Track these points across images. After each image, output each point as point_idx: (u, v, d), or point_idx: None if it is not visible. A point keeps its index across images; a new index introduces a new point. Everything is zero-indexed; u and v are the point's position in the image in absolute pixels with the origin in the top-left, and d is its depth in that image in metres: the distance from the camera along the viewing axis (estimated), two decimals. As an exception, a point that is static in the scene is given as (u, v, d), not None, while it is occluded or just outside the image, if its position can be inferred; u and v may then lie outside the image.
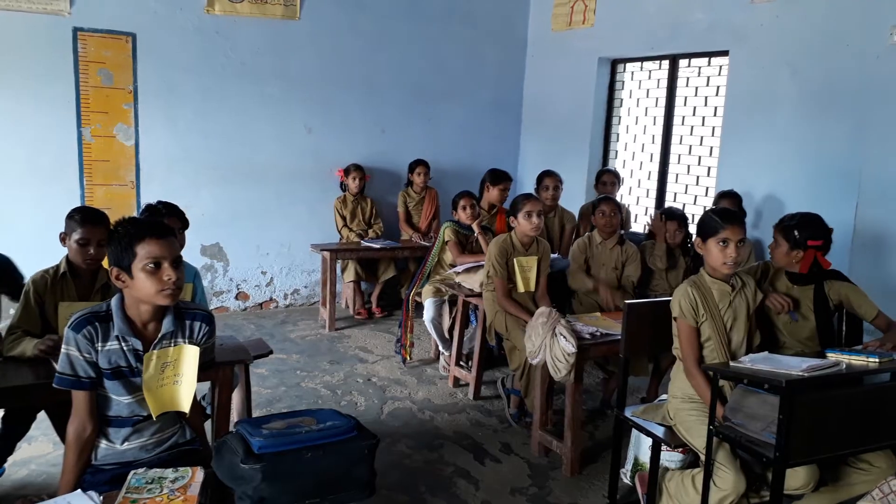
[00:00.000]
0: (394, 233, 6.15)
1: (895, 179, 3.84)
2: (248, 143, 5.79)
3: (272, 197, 5.95)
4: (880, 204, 3.91)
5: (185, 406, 2.11)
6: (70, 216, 2.73)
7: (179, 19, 5.40)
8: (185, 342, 2.12)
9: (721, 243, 2.69)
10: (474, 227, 4.65)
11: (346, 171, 5.94)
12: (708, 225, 2.74)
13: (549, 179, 5.11)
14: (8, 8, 4.83)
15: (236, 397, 3.30)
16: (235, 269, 5.93)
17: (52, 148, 5.13)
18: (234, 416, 3.35)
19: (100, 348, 2.01)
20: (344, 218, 5.97)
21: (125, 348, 2.03)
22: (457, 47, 6.51)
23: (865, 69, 4.03)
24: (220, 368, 2.77)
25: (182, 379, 2.10)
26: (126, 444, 2.11)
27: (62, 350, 2.00)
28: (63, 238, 2.74)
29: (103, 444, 2.11)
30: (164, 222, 2.10)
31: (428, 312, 4.70)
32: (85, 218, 2.70)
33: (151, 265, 1.96)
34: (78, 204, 5.22)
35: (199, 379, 2.70)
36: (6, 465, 3.15)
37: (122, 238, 1.98)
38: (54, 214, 4.80)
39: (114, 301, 2.04)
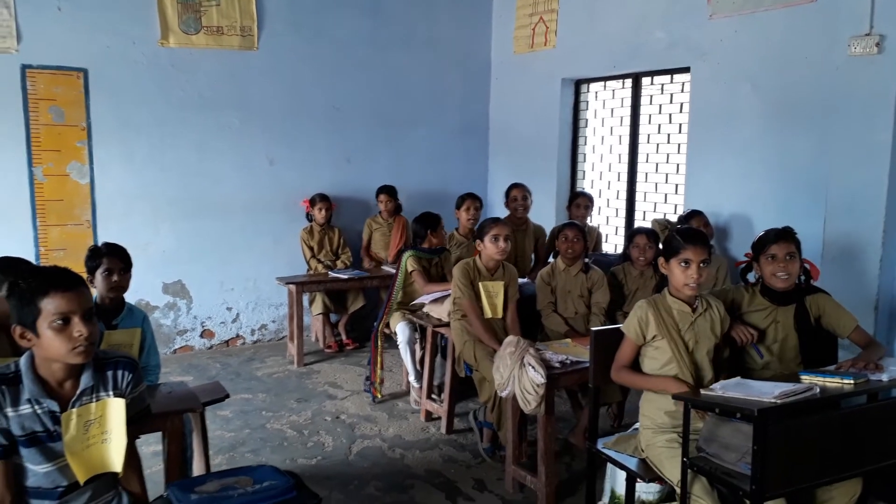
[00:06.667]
0: (361, 262, 6.02)
1: (861, 191, 3.78)
2: (209, 176, 5.65)
3: (235, 230, 5.79)
4: (847, 216, 3.84)
5: (118, 466, 1.94)
6: None
7: (133, 53, 5.27)
8: (109, 395, 1.95)
9: (683, 264, 2.62)
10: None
11: (312, 202, 5.81)
12: (670, 245, 2.69)
13: (516, 191, 5.01)
14: (-49, 47, 4.69)
15: (195, 447, 3.14)
16: (199, 306, 5.74)
17: (1, 188, 4.95)
18: (196, 466, 3.19)
19: (10, 414, 1.83)
20: (311, 249, 5.83)
21: (39, 412, 1.86)
22: (420, 73, 6.44)
23: (825, 81, 3.99)
24: (169, 418, 2.60)
25: (111, 436, 1.92)
26: (55, 518, 1.92)
27: None
28: None
29: (29, 519, 1.92)
30: (72, 271, 1.91)
31: (402, 335, 4.51)
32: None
33: (59, 321, 1.79)
34: (31, 246, 5.05)
35: (149, 430, 2.57)
36: None
37: (24, 293, 1.80)
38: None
39: (23, 360, 1.87)
